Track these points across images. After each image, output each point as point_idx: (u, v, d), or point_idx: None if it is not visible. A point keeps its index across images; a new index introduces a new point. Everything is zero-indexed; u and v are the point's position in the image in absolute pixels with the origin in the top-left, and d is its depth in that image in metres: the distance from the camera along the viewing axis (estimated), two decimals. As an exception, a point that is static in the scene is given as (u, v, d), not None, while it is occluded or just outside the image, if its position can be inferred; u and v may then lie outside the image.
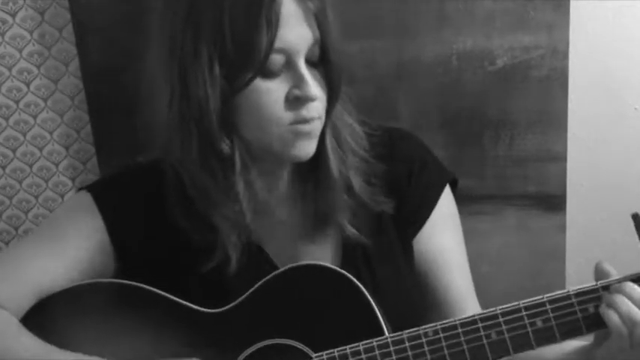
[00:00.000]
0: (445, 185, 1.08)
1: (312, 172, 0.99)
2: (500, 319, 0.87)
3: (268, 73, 0.90)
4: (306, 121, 0.92)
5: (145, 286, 0.98)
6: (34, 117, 1.56)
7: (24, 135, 1.57)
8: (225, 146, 0.92)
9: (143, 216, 1.01)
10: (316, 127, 0.94)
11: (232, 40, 0.87)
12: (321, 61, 0.93)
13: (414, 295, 1.05)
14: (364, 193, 1.01)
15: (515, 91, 1.46)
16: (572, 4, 1.41)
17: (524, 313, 0.86)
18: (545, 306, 0.86)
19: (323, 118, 0.95)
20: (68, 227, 1.02)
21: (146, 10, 1.42)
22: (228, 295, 0.97)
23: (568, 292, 0.86)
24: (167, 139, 0.96)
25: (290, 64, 0.90)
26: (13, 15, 1.49)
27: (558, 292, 0.86)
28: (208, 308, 0.97)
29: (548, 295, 0.86)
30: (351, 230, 1.00)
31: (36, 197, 1.61)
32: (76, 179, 1.60)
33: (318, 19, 0.90)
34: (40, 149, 1.58)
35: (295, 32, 0.89)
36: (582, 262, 1.56)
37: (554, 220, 1.51)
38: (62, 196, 1.61)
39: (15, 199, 1.61)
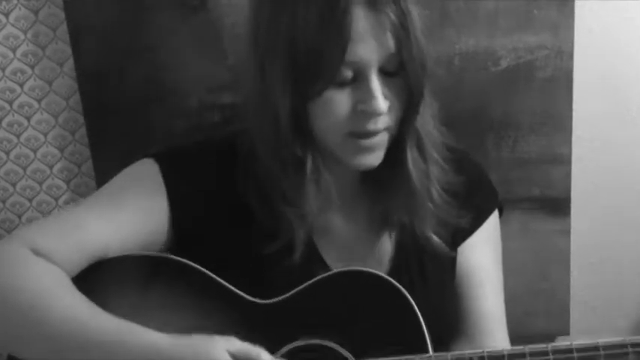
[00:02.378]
0: (495, 208, 1.12)
1: (388, 180, 1.01)
2: (551, 357, 0.87)
3: (338, 83, 0.91)
4: (368, 134, 0.93)
5: (196, 265, 0.99)
6: (28, 118, 1.55)
7: (17, 137, 1.56)
8: (298, 149, 0.94)
9: (207, 191, 1.02)
10: (381, 139, 0.95)
11: (305, 51, 0.88)
12: (400, 70, 0.92)
13: (452, 304, 1.07)
14: (442, 204, 1.02)
15: (518, 92, 1.45)
16: (577, 4, 1.40)
17: (575, 354, 0.87)
18: (599, 351, 0.86)
19: (392, 128, 0.95)
20: (130, 196, 1.02)
21: (142, 10, 1.43)
22: (273, 287, 0.99)
23: (624, 340, 0.86)
24: (248, 127, 0.99)
25: (360, 77, 0.91)
26: (7, 14, 1.47)
27: (614, 339, 0.87)
28: (253, 297, 0.99)
29: (603, 340, 0.87)
30: (436, 241, 1.02)
31: (30, 200, 1.60)
32: (71, 182, 1.58)
33: (396, 31, 0.89)
34: (34, 151, 1.57)
35: (368, 47, 0.89)
36: (587, 266, 1.55)
37: (558, 223, 1.50)
38: (57, 200, 1.59)
39: (8, 203, 1.60)
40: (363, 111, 0.91)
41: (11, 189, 1.59)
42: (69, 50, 1.48)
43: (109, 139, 1.49)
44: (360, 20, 0.87)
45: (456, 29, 1.42)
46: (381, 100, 0.90)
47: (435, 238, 1.02)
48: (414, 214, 1.01)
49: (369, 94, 0.90)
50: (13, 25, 1.48)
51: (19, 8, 1.47)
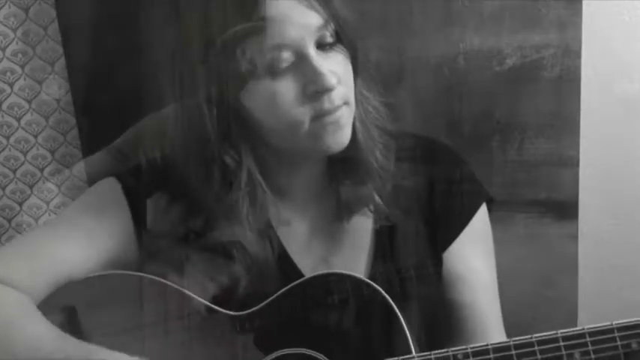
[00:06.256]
0: (481, 204, 1.07)
1: (347, 161, 0.98)
2: (536, 348, 0.85)
3: (277, 73, 0.88)
4: (329, 112, 0.89)
5: (166, 282, 0.98)
6: (18, 119, 1.53)
7: (7, 139, 1.54)
8: (229, 159, 0.91)
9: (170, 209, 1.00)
10: (344, 113, 0.91)
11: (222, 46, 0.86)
12: (338, 40, 0.91)
13: (439, 307, 1.04)
14: (387, 166, 0.99)
15: (525, 92, 1.44)
16: (585, 2, 1.39)
17: (561, 343, 0.85)
18: (585, 338, 0.84)
19: (352, 102, 0.93)
20: (92, 215, 1.01)
21: (135, 8, 1.41)
22: (248, 297, 0.96)
23: (611, 324, 0.84)
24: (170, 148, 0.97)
25: (298, 58, 0.88)
26: (-4, 12, 1.47)
27: (600, 325, 0.84)
28: (228, 309, 0.97)
29: (589, 326, 0.85)
30: (378, 202, 0.99)
31: (20, 204, 1.58)
32: (62, 185, 1.57)
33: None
34: (24, 153, 1.55)
35: (294, 24, 0.86)
36: (596, 271, 1.53)
37: (566, 228, 1.49)
38: (48, 203, 1.58)
39: (-2, 207, 1.59)
40: (315, 92, 0.88)
41: (0, 192, 1.57)
42: (60, 49, 1.48)
43: (101, 141, 1.46)
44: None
45: (461, 28, 1.41)
46: (329, 75, 0.87)
47: (377, 199, 0.99)
48: (364, 175, 0.98)
49: (314, 72, 0.87)
50: (2, 23, 1.47)
51: (9, 5, 1.46)
